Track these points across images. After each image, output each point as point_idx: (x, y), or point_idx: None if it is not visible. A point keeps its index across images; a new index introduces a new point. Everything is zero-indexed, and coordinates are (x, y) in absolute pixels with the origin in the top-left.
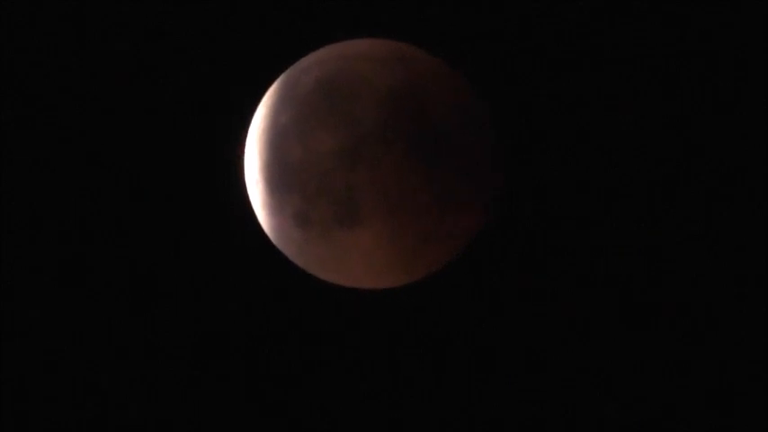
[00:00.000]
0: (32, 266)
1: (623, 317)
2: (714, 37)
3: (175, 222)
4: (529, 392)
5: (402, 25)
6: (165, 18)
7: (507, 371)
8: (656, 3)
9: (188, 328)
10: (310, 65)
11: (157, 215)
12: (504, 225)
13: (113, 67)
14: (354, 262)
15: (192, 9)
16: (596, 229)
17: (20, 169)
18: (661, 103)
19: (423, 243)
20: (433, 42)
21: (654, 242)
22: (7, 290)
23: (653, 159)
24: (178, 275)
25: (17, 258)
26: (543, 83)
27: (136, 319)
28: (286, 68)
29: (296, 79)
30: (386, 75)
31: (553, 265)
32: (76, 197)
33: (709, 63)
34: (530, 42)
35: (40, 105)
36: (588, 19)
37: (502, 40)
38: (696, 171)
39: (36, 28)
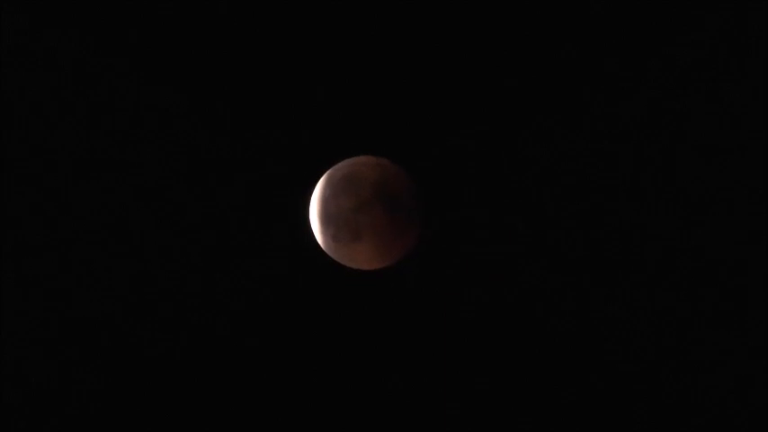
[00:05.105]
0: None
1: (623, 317)
2: (714, 37)
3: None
4: (528, 395)
5: (374, 146)
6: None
7: (504, 372)
8: (657, 2)
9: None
10: (338, 168)
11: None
12: (504, 222)
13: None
14: (359, 256)
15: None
16: (596, 229)
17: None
18: (661, 103)
19: (396, 244)
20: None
21: (655, 242)
22: (7, 290)
23: (653, 159)
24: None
25: (21, 259)
26: (543, 83)
27: (146, 313)
28: (326, 170)
29: (331, 175)
30: (372, 173)
31: (553, 264)
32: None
33: (710, 63)
34: (529, 43)
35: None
36: (588, 19)
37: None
38: (696, 171)
39: (43, 28)
